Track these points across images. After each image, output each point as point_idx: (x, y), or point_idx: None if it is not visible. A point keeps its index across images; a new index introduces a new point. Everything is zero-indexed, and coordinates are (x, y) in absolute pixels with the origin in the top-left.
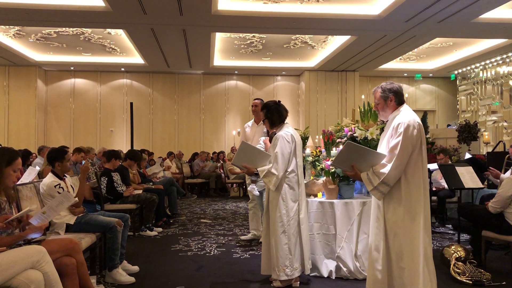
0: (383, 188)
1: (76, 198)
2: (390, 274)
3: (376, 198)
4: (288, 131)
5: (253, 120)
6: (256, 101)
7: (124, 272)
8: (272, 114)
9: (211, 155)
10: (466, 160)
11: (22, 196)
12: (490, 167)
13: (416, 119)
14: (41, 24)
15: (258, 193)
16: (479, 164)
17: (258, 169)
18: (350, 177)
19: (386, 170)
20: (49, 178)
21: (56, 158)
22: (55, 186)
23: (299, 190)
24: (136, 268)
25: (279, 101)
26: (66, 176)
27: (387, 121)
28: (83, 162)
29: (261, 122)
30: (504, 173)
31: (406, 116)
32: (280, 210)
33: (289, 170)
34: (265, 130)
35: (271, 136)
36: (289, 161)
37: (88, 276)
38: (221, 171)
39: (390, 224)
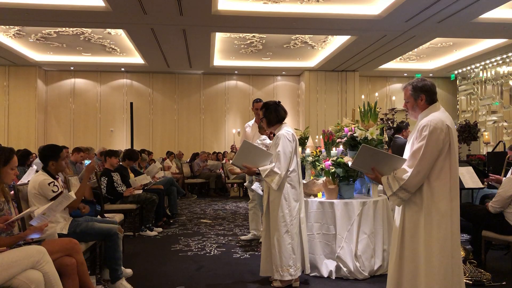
0: (403, 194)
1: (74, 196)
2: (400, 280)
3: (396, 204)
4: (289, 130)
5: (253, 120)
6: (258, 103)
7: (128, 284)
8: (269, 113)
9: (211, 155)
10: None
11: (22, 196)
12: (491, 174)
13: (446, 120)
14: (41, 24)
15: (262, 192)
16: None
17: (259, 168)
18: (370, 179)
19: (406, 175)
20: (41, 176)
21: (50, 156)
22: (49, 184)
23: (300, 189)
24: (129, 271)
25: (279, 102)
26: (59, 176)
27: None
28: (85, 162)
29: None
30: (505, 175)
31: (433, 118)
32: (282, 210)
33: (290, 169)
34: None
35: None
36: (291, 160)
37: (88, 276)
38: (221, 170)
39: (408, 231)
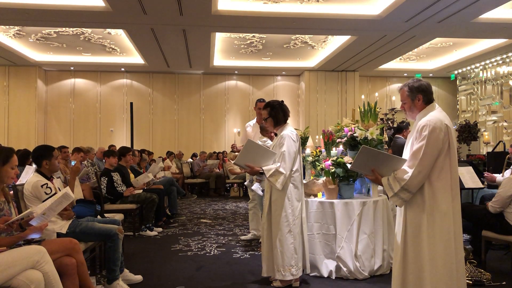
0: (404, 194)
1: (73, 196)
2: (405, 281)
3: (397, 205)
4: (293, 130)
5: (255, 119)
6: (262, 103)
7: (125, 284)
8: (277, 113)
9: (213, 155)
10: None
11: (22, 196)
12: (485, 172)
13: (444, 120)
14: (41, 24)
15: (262, 193)
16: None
17: (263, 168)
18: (371, 181)
19: (407, 176)
20: (34, 177)
21: (43, 156)
22: (41, 186)
23: (302, 189)
24: (139, 278)
25: (282, 101)
26: (53, 177)
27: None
28: (72, 162)
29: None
30: (504, 174)
31: (432, 117)
32: (285, 210)
33: (294, 169)
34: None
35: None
36: (295, 160)
37: (88, 276)
38: (221, 169)
39: (410, 231)
